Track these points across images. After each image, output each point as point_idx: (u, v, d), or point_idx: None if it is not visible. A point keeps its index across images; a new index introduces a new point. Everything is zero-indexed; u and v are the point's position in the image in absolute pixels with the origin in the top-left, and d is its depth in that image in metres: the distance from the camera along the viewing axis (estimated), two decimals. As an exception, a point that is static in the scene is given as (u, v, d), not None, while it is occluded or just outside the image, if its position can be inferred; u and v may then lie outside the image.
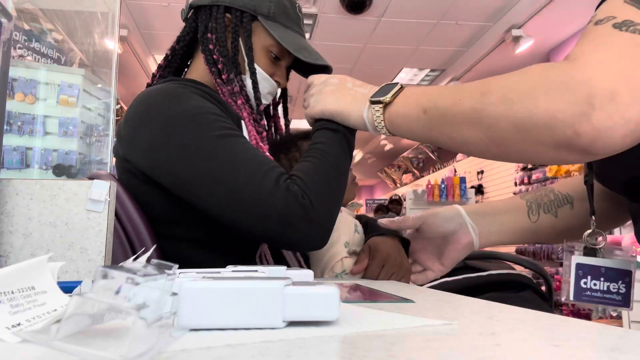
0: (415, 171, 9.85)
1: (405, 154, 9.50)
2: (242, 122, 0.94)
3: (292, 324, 0.34)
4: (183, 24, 1.04)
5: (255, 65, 0.96)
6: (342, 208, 1.03)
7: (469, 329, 0.34)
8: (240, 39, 0.96)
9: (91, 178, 0.79)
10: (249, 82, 0.96)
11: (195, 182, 0.78)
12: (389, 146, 9.26)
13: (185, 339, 0.30)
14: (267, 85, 0.99)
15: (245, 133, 0.93)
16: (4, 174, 1.45)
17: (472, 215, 0.93)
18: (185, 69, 1.06)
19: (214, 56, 0.95)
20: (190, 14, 1.01)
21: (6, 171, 1.51)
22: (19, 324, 0.30)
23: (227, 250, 0.90)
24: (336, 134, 0.84)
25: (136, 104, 0.87)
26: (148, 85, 1.02)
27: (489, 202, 0.98)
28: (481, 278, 1.29)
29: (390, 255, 0.91)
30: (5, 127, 1.39)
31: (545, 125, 0.55)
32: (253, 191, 0.74)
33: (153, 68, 5.73)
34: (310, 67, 1.02)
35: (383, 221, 0.95)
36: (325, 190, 0.78)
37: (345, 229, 0.97)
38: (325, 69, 1.02)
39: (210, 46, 0.95)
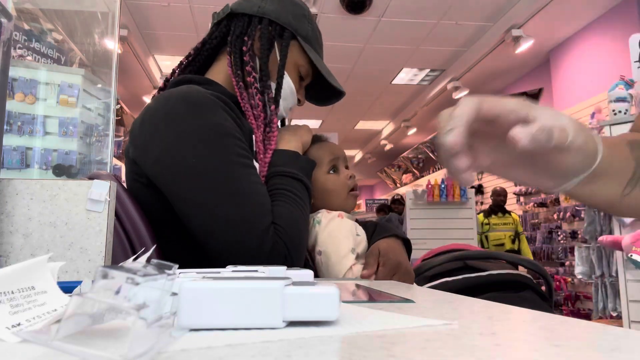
0: (415, 171, 9.85)
1: (405, 154, 9.50)
2: (253, 134, 0.94)
3: (292, 324, 0.34)
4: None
5: (285, 74, 0.99)
6: (343, 213, 1.03)
7: (469, 329, 0.34)
8: (275, 50, 0.99)
9: (91, 178, 0.79)
10: (272, 86, 0.98)
11: (191, 205, 0.81)
12: (389, 146, 9.26)
13: (185, 339, 0.30)
14: (291, 99, 1.03)
15: (254, 143, 0.94)
16: (4, 174, 1.45)
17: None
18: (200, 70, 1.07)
19: (245, 58, 0.97)
20: (223, 19, 1.03)
21: (6, 171, 1.51)
22: (19, 324, 0.30)
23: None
24: (300, 183, 0.91)
25: (156, 106, 0.86)
26: (166, 80, 1.02)
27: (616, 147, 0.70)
28: (480, 278, 1.30)
29: (401, 265, 0.92)
30: (5, 127, 1.39)
31: None
32: (244, 236, 0.78)
33: (153, 68, 5.74)
34: (320, 94, 1.12)
35: None
36: (300, 239, 0.85)
37: (349, 236, 0.96)
38: (341, 95, 1.10)
39: (244, 48, 0.97)
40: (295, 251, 0.82)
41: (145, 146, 0.85)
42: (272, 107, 0.96)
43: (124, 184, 0.92)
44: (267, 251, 0.79)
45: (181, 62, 1.04)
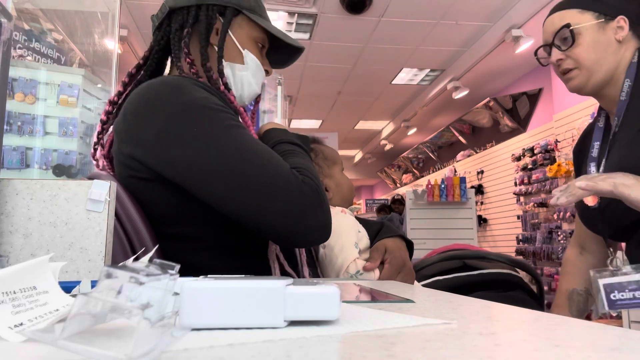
0: (415, 171, 9.85)
1: (405, 154, 9.50)
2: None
3: (293, 323, 0.34)
4: None
5: (249, 54, 0.98)
6: (346, 210, 1.04)
7: (469, 329, 0.34)
8: (228, 32, 0.97)
9: (91, 178, 0.79)
10: (240, 74, 0.97)
11: (208, 172, 0.76)
12: (389, 146, 9.26)
13: (187, 339, 0.30)
14: (259, 73, 1.01)
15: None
16: (4, 174, 1.45)
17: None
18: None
19: (185, 50, 0.94)
20: (164, 20, 1.00)
21: (6, 171, 1.51)
22: (21, 324, 0.31)
23: (232, 250, 0.88)
24: (300, 148, 0.91)
25: (137, 99, 0.85)
26: (119, 93, 0.98)
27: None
28: (472, 277, 1.32)
29: (407, 264, 0.94)
30: (5, 127, 1.39)
31: None
32: (270, 180, 0.75)
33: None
34: (280, 57, 1.10)
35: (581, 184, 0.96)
36: (321, 186, 0.82)
37: (352, 231, 0.99)
38: (300, 51, 1.09)
39: (182, 44, 0.94)
40: (323, 191, 0.80)
41: (136, 136, 0.82)
42: (222, 87, 0.94)
43: (124, 184, 0.91)
44: (298, 191, 0.76)
45: (130, 73, 1.00)
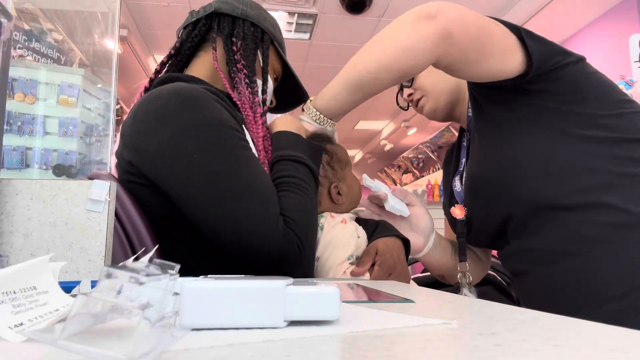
0: (415, 171, 9.85)
1: (405, 154, 9.50)
2: (244, 126, 0.95)
3: (293, 323, 0.34)
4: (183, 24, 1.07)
5: (270, 80, 1.06)
6: (347, 217, 1.01)
7: (469, 329, 0.34)
8: (259, 51, 1.05)
9: (91, 178, 0.79)
10: (259, 83, 1.03)
11: (195, 204, 0.79)
12: (389, 146, 9.25)
13: (187, 339, 0.30)
14: (268, 98, 1.07)
15: (247, 136, 0.93)
16: (4, 174, 1.45)
17: (435, 239, 1.18)
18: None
19: (236, 56, 1.00)
20: (201, 19, 1.06)
21: (6, 171, 1.51)
22: (21, 324, 0.31)
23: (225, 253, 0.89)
24: (304, 167, 0.90)
25: (147, 105, 0.85)
26: (151, 81, 1.03)
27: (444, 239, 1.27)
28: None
29: (397, 266, 0.91)
30: (5, 127, 1.39)
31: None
32: (253, 230, 0.76)
33: (153, 68, 5.73)
34: (280, 101, 1.19)
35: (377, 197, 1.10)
36: (311, 228, 0.84)
37: (350, 242, 0.95)
38: (300, 102, 1.17)
39: (234, 48, 1.01)
40: (307, 240, 0.81)
41: (139, 145, 0.83)
42: (257, 98, 0.99)
43: (124, 184, 0.91)
44: (279, 242, 0.77)
45: (163, 62, 1.06)
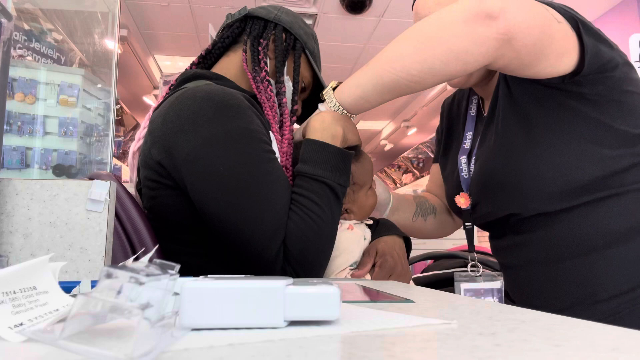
0: (415, 171, 9.84)
1: (405, 154, 9.50)
2: (270, 129, 0.94)
3: (293, 323, 0.34)
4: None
5: (289, 82, 1.04)
6: (354, 224, 0.99)
7: (469, 329, 0.34)
8: (289, 57, 1.04)
9: (91, 178, 0.79)
10: (289, 85, 1.02)
11: (216, 210, 0.80)
12: (389, 146, 9.26)
13: (188, 339, 0.30)
14: (291, 103, 1.06)
15: (272, 138, 0.93)
16: (4, 174, 1.45)
17: (394, 204, 1.18)
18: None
19: (260, 56, 1.00)
20: (235, 22, 1.07)
21: (6, 171, 1.51)
22: (21, 324, 0.31)
23: (231, 256, 0.88)
24: (321, 184, 0.86)
25: (179, 106, 0.84)
26: (185, 72, 1.03)
27: (403, 196, 1.26)
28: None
29: (397, 266, 0.91)
30: (5, 127, 1.39)
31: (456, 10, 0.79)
32: (259, 255, 0.80)
33: (153, 68, 5.73)
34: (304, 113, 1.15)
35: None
36: (308, 253, 0.83)
37: (355, 249, 0.94)
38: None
39: (260, 48, 1.01)
40: (306, 264, 0.82)
41: (169, 146, 0.83)
42: (284, 99, 0.99)
43: (124, 185, 0.91)
44: (278, 272, 0.81)
45: (193, 62, 1.08)
